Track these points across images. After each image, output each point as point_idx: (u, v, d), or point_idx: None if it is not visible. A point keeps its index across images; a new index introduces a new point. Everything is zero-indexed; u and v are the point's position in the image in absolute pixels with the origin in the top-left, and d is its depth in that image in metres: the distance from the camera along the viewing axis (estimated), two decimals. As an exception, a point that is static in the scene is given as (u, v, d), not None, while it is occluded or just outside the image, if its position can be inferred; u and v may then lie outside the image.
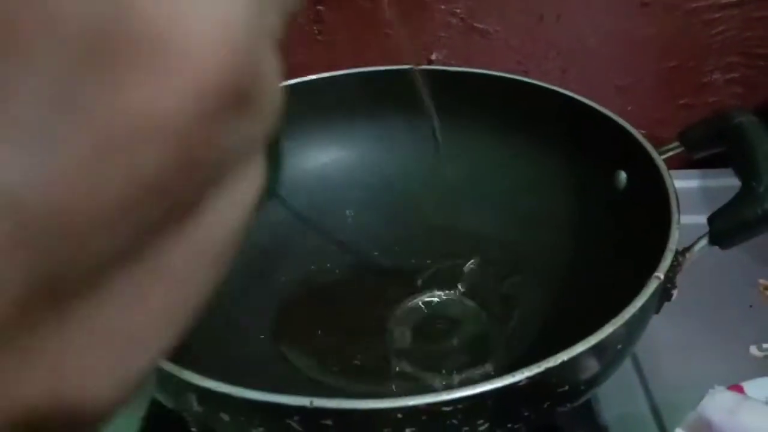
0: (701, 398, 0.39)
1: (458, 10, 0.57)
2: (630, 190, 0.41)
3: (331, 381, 0.39)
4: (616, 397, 0.40)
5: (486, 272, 0.45)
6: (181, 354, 0.31)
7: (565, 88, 0.47)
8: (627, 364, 0.42)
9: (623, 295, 0.36)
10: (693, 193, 0.55)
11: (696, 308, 0.43)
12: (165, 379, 0.28)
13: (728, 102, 0.61)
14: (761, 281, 0.48)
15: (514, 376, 0.26)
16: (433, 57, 0.59)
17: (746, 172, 0.33)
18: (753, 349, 0.43)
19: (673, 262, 0.31)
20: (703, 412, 0.31)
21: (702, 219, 0.38)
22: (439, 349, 0.41)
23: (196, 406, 0.28)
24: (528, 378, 0.26)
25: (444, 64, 0.59)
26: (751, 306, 0.47)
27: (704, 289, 0.42)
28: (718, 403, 0.31)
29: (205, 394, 0.27)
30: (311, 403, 0.25)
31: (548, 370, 0.26)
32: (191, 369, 0.28)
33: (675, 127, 0.61)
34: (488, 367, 0.39)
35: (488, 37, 0.58)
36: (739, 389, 0.34)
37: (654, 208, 0.37)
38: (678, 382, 0.41)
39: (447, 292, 0.44)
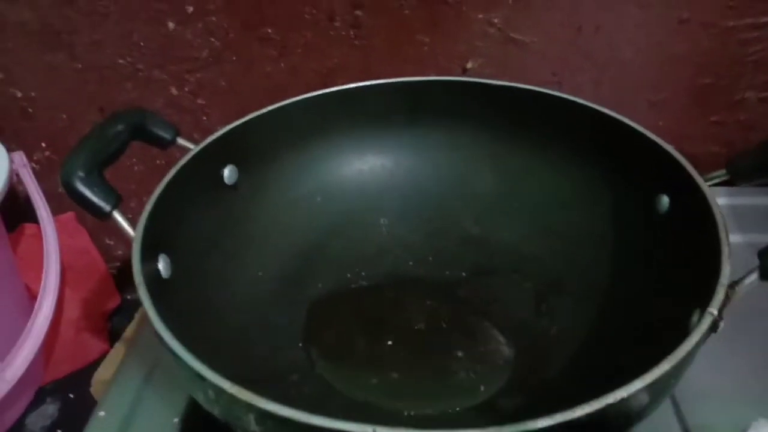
0: (730, 421, 0.40)
1: (496, 20, 0.57)
2: (672, 214, 0.41)
3: (367, 396, 0.39)
4: (649, 425, 0.40)
5: (523, 288, 0.45)
6: (211, 356, 0.31)
7: (599, 100, 0.46)
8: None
9: (663, 324, 0.36)
10: (728, 210, 0.55)
11: (731, 334, 0.43)
12: (224, 398, 0.29)
13: (760, 121, 0.61)
14: (791, 305, 0.48)
15: (574, 411, 0.26)
16: (469, 66, 0.59)
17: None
18: (784, 375, 0.43)
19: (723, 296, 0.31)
20: (745, 445, 0.32)
21: (740, 237, 0.38)
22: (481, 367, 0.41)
23: (253, 426, 0.29)
24: (587, 414, 0.26)
25: (479, 73, 0.59)
26: (781, 330, 0.47)
27: (740, 314, 0.42)
28: (760, 436, 0.32)
29: (265, 415, 0.27)
30: (374, 431, 0.26)
31: (607, 407, 0.26)
32: (247, 388, 0.28)
33: (704, 143, 0.62)
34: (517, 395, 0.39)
35: (524, 48, 0.58)
36: (779, 421, 0.35)
37: (699, 236, 0.36)
38: (708, 405, 0.41)
39: (484, 307, 0.44)
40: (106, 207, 0.37)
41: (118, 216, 0.38)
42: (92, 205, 0.38)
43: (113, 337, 0.73)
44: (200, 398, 0.31)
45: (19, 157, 0.64)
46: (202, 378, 0.29)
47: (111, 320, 0.75)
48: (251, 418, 0.28)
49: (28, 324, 0.60)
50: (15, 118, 0.64)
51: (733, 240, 0.35)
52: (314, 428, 0.26)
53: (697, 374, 0.42)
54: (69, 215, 0.70)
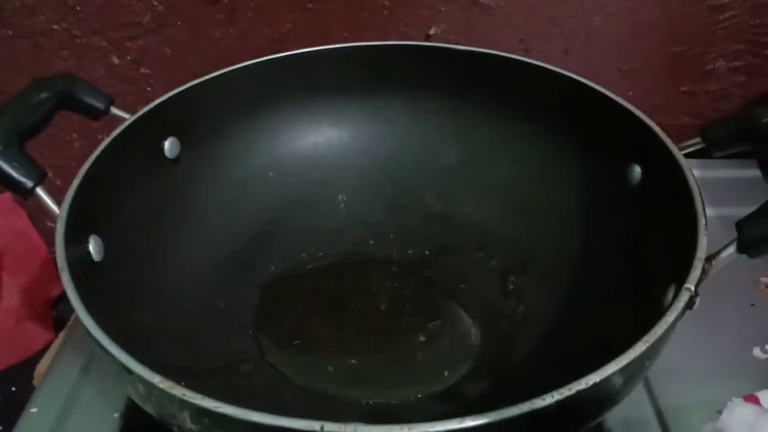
0: (704, 401, 0.38)
1: (460, -17, 0.54)
2: (645, 186, 0.39)
3: (323, 385, 0.36)
4: (619, 407, 0.39)
5: (489, 267, 0.43)
6: (149, 347, 0.29)
7: (568, 69, 0.44)
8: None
9: (638, 300, 0.34)
10: (705, 183, 0.53)
11: (705, 313, 0.41)
12: (155, 394, 0.26)
13: (729, 91, 0.59)
14: (763, 279, 0.47)
15: (544, 399, 0.24)
16: (432, 32, 0.56)
17: (776, 175, 0.31)
18: (757, 351, 0.42)
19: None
20: (722, 427, 0.30)
21: (713, 211, 0.36)
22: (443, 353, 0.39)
23: (189, 424, 0.26)
24: (558, 401, 0.24)
25: (442, 40, 0.56)
26: (753, 305, 0.46)
27: (702, 288, 0.41)
28: (737, 417, 0.30)
29: (200, 412, 0.24)
30: (322, 428, 0.23)
31: (578, 393, 0.24)
32: (188, 381, 0.25)
33: (674, 113, 0.60)
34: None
35: (490, 13, 0.55)
36: (756, 400, 0.33)
37: (673, 207, 0.35)
38: (680, 385, 0.40)
39: (449, 287, 0.42)
40: (28, 183, 0.34)
41: (41, 193, 0.34)
42: (12, 182, 0.34)
43: (59, 325, 0.69)
44: (133, 394, 0.28)
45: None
46: (129, 371, 0.26)
47: (56, 308, 0.71)
48: (186, 415, 0.25)
49: (-38, 313, 0.56)
50: (-59, 91, 0.59)
51: (709, 214, 0.33)
52: (256, 425, 0.24)
53: (670, 354, 0.41)
54: (5, 195, 0.65)
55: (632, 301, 0.35)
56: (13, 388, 0.64)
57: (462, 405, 0.35)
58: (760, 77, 0.58)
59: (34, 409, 0.39)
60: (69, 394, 0.40)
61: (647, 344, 0.26)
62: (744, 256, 0.47)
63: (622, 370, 0.25)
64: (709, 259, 0.31)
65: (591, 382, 0.24)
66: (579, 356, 0.29)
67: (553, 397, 0.24)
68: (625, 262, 0.38)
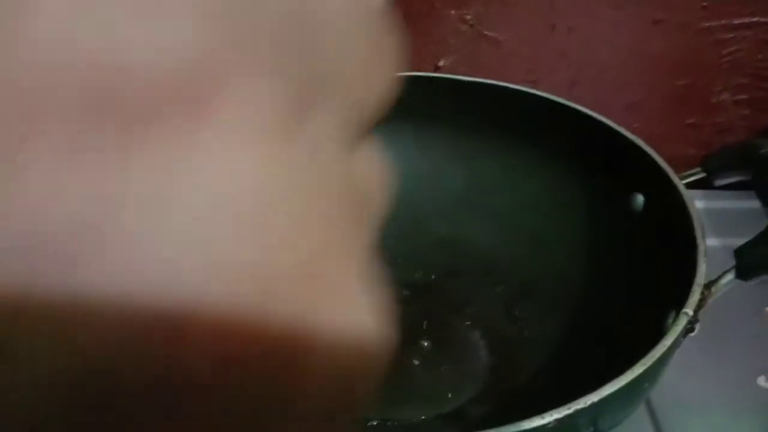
0: (708, 430, 0.38)
1: (468, 17, 0.55)
2: (647, 214, 0.40)
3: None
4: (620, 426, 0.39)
5: (494, 291, 0.44)
6: None
7: (574, 101, 0.45)
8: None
9: (638, 328, 0.35)
10: (706, 214, 0.54)
11: (699, 336, 0.41)
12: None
13: (735, 123, 0.60)
14: (767, 309, 0.47)
15: (543, 417, 0.24)
16: (441, 63, 0.57)
17: (774, 204, 0.32)
18: (761, 380, 0.42)
19: (699, 296, 0.30)
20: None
21: (715, 242, 0.37)
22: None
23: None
24: (557, 420, 0.24)
25: (451, 71, 0.57)
26: (756, 335, 0.46)
27: (707, 317, 0.41)
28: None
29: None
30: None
31: (577, 412, 0.25)
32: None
33: (680, 145, 0.61)
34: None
35: (498, 46, 0.57)
36: None
37: (674, 235, 0.35)
38: (685, 414, 0.40)
39: (454, 310, 0.42)
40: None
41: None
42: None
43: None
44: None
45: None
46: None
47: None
48: None
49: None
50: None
51: (710, 243, 0.34)
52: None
53: (674, 381, 0.41)
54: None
55: (634, 326, 0.36)
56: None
57: (466, 426, 0.36)
58: (764, 110, 0.59)
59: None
60: None
61: (644, 366, 0.26)
62: (747, 286, 0.47)
63: (620, 392, 0.26)
64: (708, 285, 0.32)
65: (589, 402, 0.25)
66: (583, 379, 0.29)
67: (552, 415, 0.25)
68: (627, 288, 0.38)
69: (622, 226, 0.41)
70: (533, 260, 0.44)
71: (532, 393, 0.37)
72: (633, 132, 0.42)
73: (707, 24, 0.55)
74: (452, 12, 0.55)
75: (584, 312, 0.40)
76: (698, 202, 0.34)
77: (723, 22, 0.55)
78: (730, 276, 0.31)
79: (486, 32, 0.56)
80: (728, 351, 0.44)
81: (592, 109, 0.45)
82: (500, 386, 0.38)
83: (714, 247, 0.35)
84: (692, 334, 0.32)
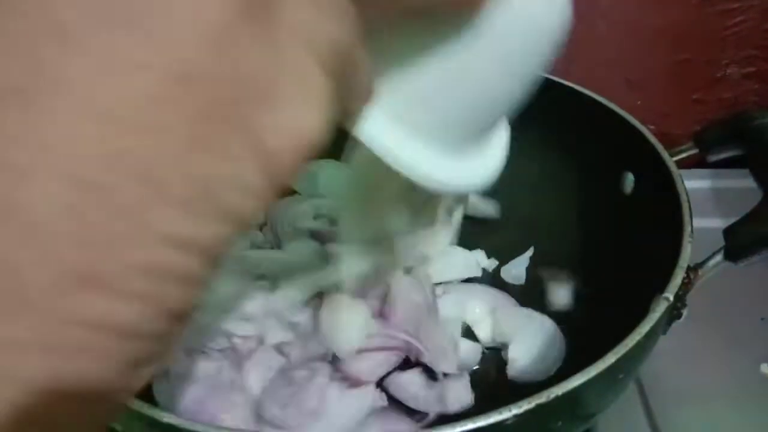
0: (707, 425, 0.36)
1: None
2: (638, 193, 0.37)
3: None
4: (615, 415, 0.37)
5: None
6: None
7: (573, 79, 0.43)
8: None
9: (628, 311, 0.33)
10: (703, 194, 0.51)
11: (702, 321, 0.39)
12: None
13: (744, 98, 0.57)
14: (773, 294, 0.45)
15: (501, 413, 0.23)
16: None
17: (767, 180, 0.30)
18: (764, 367, 0.40)
19: (684, 279, 0.28)
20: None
21: (712, 223, 0.35)
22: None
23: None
24: (515, 416, 0.23)
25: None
26: (762, 319, 0.43)
27: (711, 301, 0.39)
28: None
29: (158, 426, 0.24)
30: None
31: (539, 407, 0.23)
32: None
33: (686, 123, 0.58)
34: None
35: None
36: None
37: (664, 215, 0.33)
38: (682, 402, 0.38)
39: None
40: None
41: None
42: None
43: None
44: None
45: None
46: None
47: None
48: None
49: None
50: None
51: (706, 224, 0.32)
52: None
53: (667, 371, 0.39)
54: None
55: (623, 311, 0.34)
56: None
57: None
58: (775, 83, 0.56)
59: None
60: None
61: (616, 356, 0.24)
62: (752, 268, 0.45)
63: (589, 384, 0.24)
64: (695, 267, 0.29)
65: (552, 396, 0.23)
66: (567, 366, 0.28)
67: (510, 410, 0.23)
68: (616, 271, 0.36)
69: (613, 206, 0.39)
70: (524, 241, 0.42)
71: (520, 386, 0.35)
72: (636, 109, 0.40)
73: (709, -6, 0.53)
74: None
75: (574, 294, 0.38)
76: (694, 182, 0.32)
77: (726, -10, 0.52)
78: (718, 257, 0.29)
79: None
80: (732, 335, 0.41)
81: (590, 87, 0.43)
82: (482, 374, 0.36)
83: (710, 228, 0.32)
84: (680, 320, 0.30)
